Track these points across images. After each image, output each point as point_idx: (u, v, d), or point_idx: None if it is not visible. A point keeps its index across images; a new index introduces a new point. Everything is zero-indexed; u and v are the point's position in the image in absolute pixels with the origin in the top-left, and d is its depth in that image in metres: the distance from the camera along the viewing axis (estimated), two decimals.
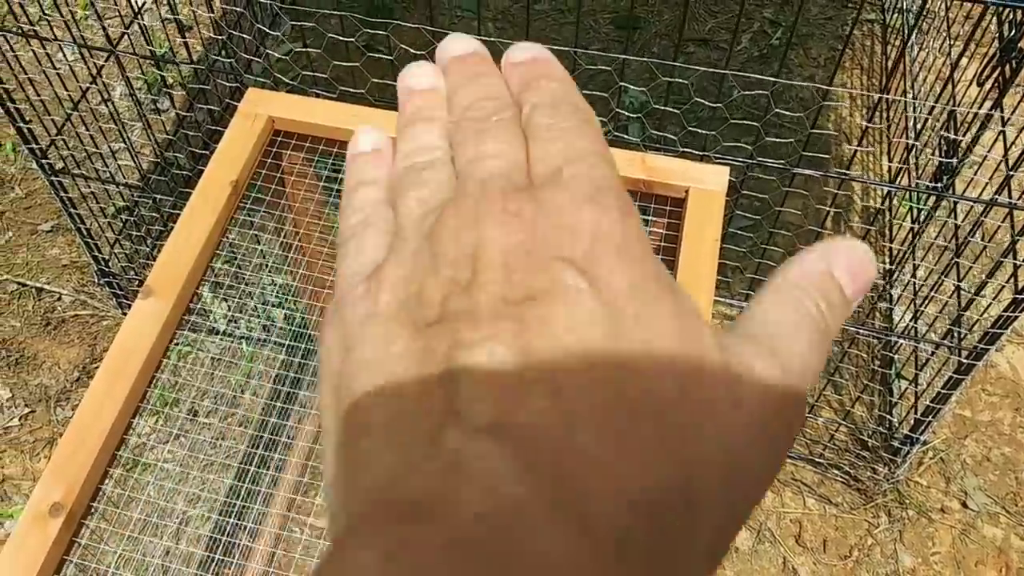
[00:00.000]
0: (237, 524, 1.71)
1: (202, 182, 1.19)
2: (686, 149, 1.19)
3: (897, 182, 1.93)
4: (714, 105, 1.11)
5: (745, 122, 1.18)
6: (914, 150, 1.85)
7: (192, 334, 1.96)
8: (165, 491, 1.76)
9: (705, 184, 1.18)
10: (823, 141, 2.13)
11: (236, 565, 1.65)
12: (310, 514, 1.74)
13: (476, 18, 1.30)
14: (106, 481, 1.01)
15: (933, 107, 1.79)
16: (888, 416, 1.74)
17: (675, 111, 1.13)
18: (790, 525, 1.72)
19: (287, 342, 1.94)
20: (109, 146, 1.76)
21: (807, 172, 1.15)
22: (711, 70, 1.07)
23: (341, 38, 1.17)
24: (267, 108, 1.25)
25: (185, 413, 1.86)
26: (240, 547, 1.68)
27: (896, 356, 1.79)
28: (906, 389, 1.73)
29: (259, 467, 1.77)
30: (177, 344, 1.95)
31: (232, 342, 1.96)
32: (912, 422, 1.63)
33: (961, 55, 1.62)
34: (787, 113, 1.25)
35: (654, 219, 1.23)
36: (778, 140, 1.25)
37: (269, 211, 1.36)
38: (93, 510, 0.99)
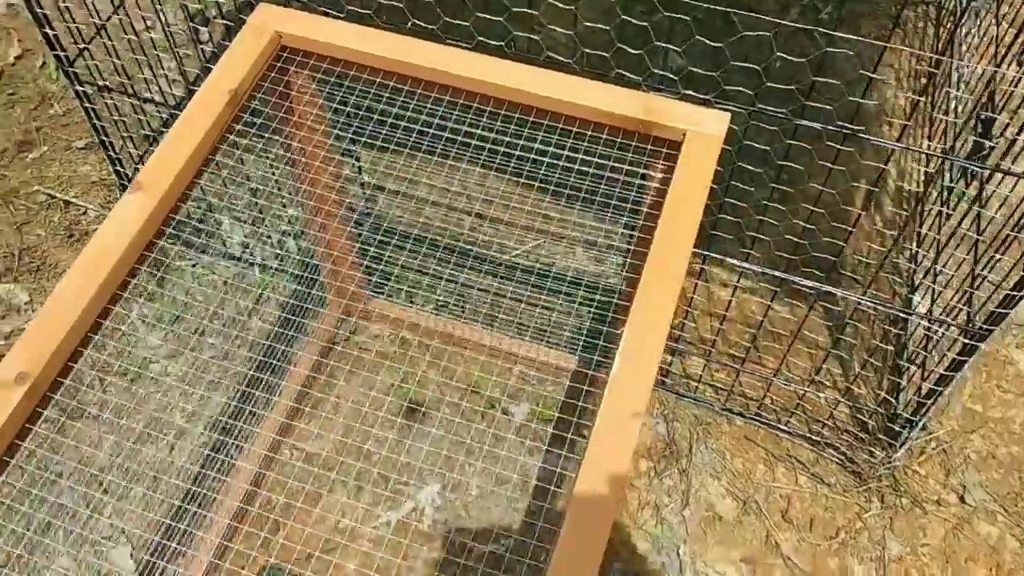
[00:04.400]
0: (231, 442, 1.74)
1: (202, 88, 1.21)
2: (688, 91, 1.17)
3: (932, 162, 1.87)
4: (714, 44, 1.08)
5: (749, 64, 1.15)
6: (953, 128, 1.79)
7: (208, 257, 1.99)
8: (166, 404, 1.80)
9: (704, 128, 1.15)
10: (863, 114, 2.07)
11: (223, 481, 1.69)
12: (303, 439, 1.77)
13: None
14: (80, 360, 1.03)
15: (967, 87, 1.73)
16: (892, 399, 1.70)
17: (711, 74, 1.10)
18: (779, 500, 1.69)
19: (298, 272, 1.96)
20: (143, 72, 1.79)
21: (808, 123, 1.12)
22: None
23: None
24: (275, 23, 1.26)
25: (193, 332, 1.90)
26: (230, 464, 1.72)
27: (909, 340, 1.74)
28: (913, 373, 1.68)
29: (258, 390, 1.80)
30: (194, 265, 1.99)
31: (246, 268, 1.98)
32: (914, 405, 1.58)
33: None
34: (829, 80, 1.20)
35: (650, 160, 1.21)
36: (779, 87, 1.21)
37: (276, 136, 1.37)
38: (60, 385, 1.01)
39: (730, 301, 1.54)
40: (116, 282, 1.07)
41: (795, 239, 1.30)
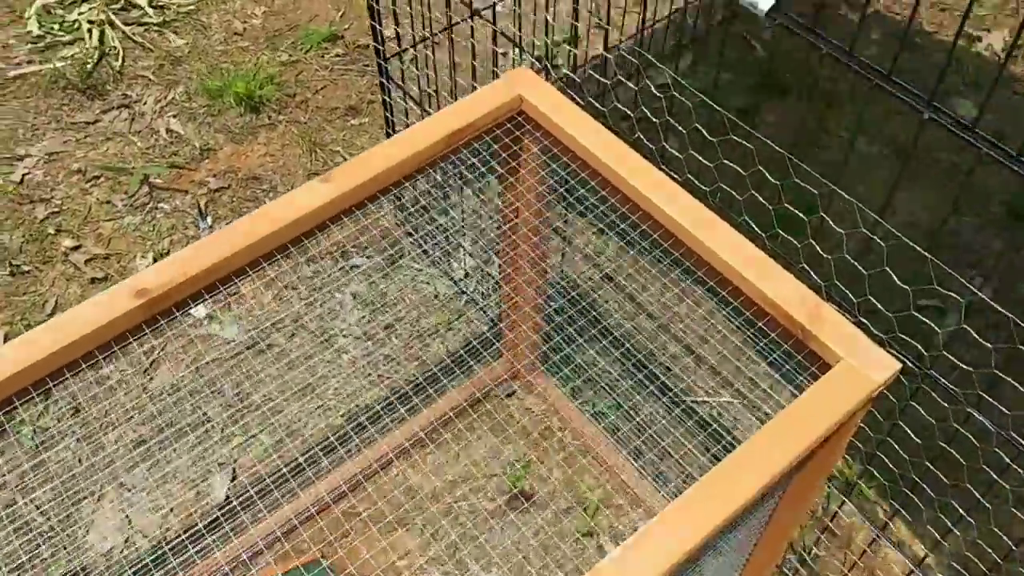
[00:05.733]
0: (355, 439, 1.82)
1: (433, 116, 1.27)
2: (864, 321, 1.03)
3: None
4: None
5: None
6: None
7: (434, 270, 2.10)
8: (329, 374, 1.92)
9: (861, 364, 1.00)
10: None
11: (329, 468, 1.78)
12: (412, 469, 1.79)
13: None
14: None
15: None
16: None
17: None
18: None
19: (489, 315, 2.00)
20: (438, 90, 1.93)
21: (977, 415, 0.93)
22: None
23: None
24: (522, 87, 1.29)
25: (383, 328, 2.01)
26: (340, 458, 1.80)
27: None
28: None
29: (401, 406, 1.86)
30: (419, 273, 2.10)
31: (457, 293, 2.06)
32: None
33: None
34: None
35: (795, 369, 1.08)
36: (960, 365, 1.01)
37: (502, 188, 1.42)
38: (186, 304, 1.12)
39: (855, 562, 1.32)
40: (276, 243, 1.15)
41: (940, 531, 1.08)
